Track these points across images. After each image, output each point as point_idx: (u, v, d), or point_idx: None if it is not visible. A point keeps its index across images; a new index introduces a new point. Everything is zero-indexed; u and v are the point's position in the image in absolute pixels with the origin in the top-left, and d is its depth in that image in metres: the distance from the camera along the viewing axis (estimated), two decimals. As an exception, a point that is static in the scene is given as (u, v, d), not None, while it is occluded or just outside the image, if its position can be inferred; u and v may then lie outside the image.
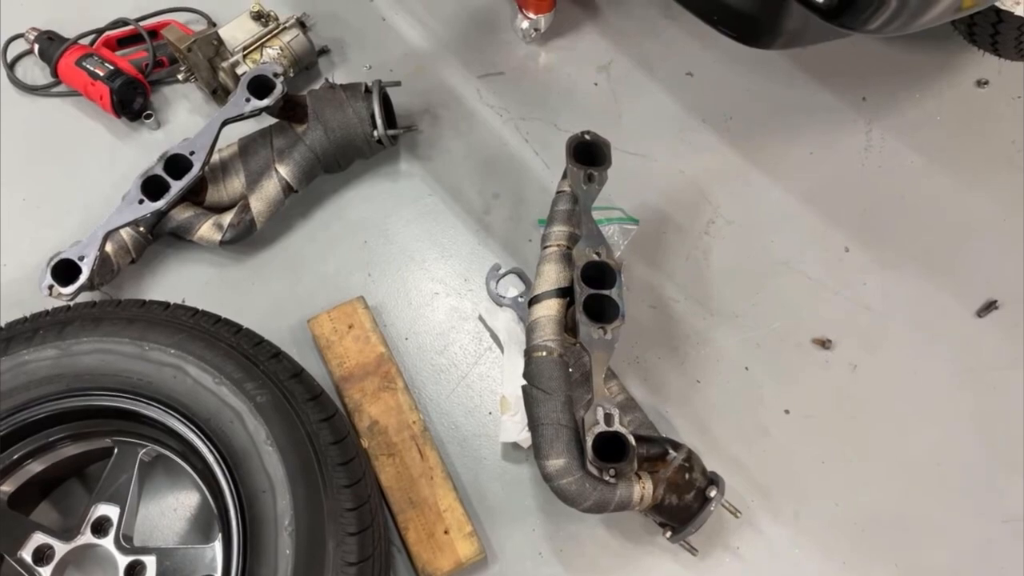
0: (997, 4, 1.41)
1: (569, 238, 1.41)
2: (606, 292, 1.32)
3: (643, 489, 1.26)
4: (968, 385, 1.56)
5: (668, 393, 1.54)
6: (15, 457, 1.28)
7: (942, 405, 1.55)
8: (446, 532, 1.37)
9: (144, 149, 1.80)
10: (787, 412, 1.54)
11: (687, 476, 1.30)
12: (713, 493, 1.30)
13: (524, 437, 1.43)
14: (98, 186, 1.76)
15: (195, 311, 1.33)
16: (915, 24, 1.00)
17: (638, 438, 1.27)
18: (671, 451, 1.31)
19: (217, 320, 1.32)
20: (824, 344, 1.59)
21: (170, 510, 1.45)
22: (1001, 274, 1.66)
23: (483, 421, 1.53)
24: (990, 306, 1.62)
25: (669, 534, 1.34)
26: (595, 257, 1.34)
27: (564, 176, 1.45)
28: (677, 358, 1.58)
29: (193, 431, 1.20)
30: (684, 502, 1.29)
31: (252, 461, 1.16)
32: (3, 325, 1.33)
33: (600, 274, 1.34)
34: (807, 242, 1.70)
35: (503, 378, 1.51)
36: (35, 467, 1.33)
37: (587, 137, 1.43)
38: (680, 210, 1.73)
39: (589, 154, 1.44)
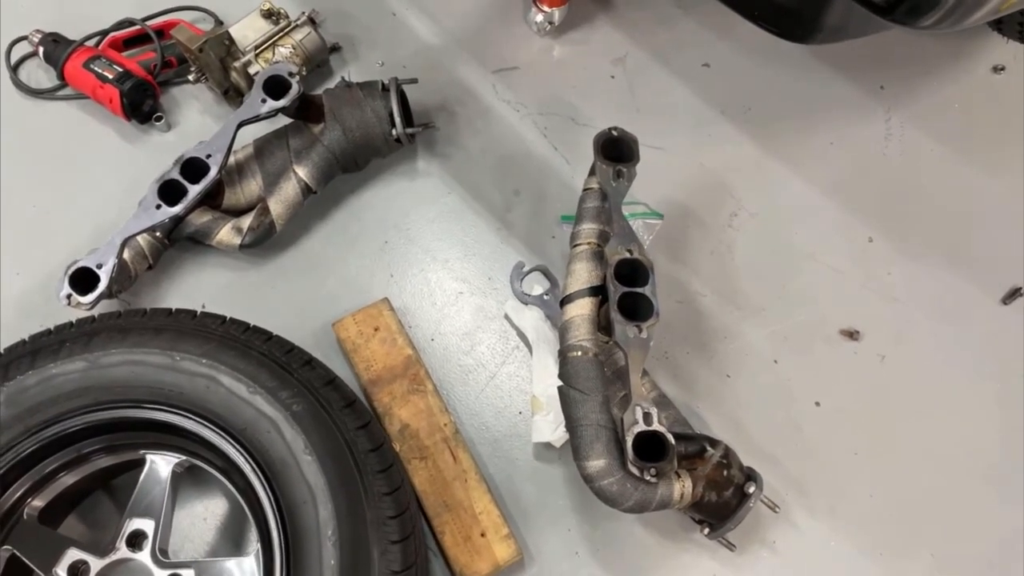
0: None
1: (599, 236, 1.40)
2: (640, 290, 1.30)
3: (683, 487, 1.25)
4: (995, 372, 1.57)
5: (698, 389, 1.53)
6: (47, 471, 1.26)
7: (970, 393, 1.55)
8: (483, 535, 1.36)
9: (155, 152, 1.76)
10: (818, 404, 1.53)
11: (725, 473, 1.29)
12: (752, 489, 1.29)
13: (557, 437, 1.42)
14: (109, 191, 1.72)
15: (224, 319, 1.30)
16: (968, 21, 0.98)
17: (675, 436, 1.26)
18: (708, 448, 1.30)
19: (247, 328, 1.29)
20: (852, 335, 1.59)
21: (200, 520, 1.43)
22: (1025, 260, 1.66)
23: (514, 421, 1.52)
24: (1015, 293, 1.62)
25: (707, 531, 1.34)
26: (628, 255, 1.33)
27: (591, 173, 1.44)
28: (706, 353, 1.57)
29: (229, 442, 1.18)
30: (723, 499, 1.29)
31: (291, 471, 1.15)
32: (27, 338, 1.30)
33: (632, 272, 1.32)
34: (830, 233, 1.69)
35: (533, 377, 1.50)
36: (68, 479, 1.30)
37: (614, 133, 1.41)
38: (702, 204, 1.72)
39: (617, 150, 1.42)
